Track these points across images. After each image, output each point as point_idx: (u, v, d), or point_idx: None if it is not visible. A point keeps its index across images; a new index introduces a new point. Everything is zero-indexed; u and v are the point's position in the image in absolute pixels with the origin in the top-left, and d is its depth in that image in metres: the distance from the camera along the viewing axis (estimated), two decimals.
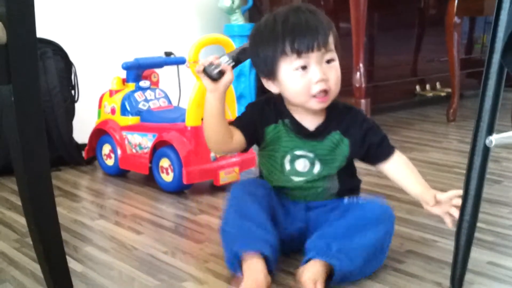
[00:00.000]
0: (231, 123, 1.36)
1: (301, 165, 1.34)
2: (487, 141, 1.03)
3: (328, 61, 1.26)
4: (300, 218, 1.34)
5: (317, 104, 1.27)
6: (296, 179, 1.34)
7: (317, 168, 1.33)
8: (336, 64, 1.28)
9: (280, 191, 1.36)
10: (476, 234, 1.36)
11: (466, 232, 1.09)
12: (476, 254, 1.29)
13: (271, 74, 1.29)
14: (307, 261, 1.19)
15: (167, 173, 1.82)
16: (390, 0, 3.02)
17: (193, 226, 1.54)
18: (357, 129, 1.33)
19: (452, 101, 2.81)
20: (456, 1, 2.66)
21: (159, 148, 1.86)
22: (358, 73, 2.45)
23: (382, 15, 3.05)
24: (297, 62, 1.24)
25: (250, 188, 1.33)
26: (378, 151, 1.34)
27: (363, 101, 2.47)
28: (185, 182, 1.77)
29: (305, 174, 1.33)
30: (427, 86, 3.15)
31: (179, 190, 1.82)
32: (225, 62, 1.25)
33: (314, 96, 1.26)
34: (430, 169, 2.01)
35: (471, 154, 1.05)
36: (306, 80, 1.25)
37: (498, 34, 0.99)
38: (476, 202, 1.07)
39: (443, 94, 3.10)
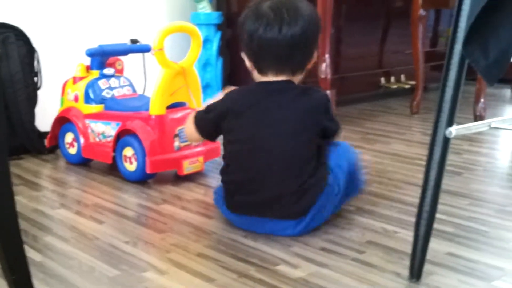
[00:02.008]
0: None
1: None
2: (447, 132, 1.04)
3: None
4: None
5: None
6: None
7: None
8: None
9: None
10: (436, 225, 1.38)
11: (425, 223, 1.11)
12: (436, 245, 1.31)
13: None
14: None
15: (131, 162, 1.80)
16: None
17: (156, 216, 1.53)
18: None
19: (416, 94, 2.83)
20: None
21: (123, 137, 1.84)
22: (324, 64, 2.46)
23: (350, 6, 3.05)
24: None
25: None
26: None
27: (328, 92, 2.47)
28: (148, 171, 1.76)
29: None
30: (392, 78, 3.18)
31: (142, 179, 1.80)
32: None
33: None
34: (392, 160, 2.03)
35: (431, 145, 1.07)
36: None
37: (460, 24, 1.00)
38: (436, 192, 1.09)
39: (407, 86, 3.13)
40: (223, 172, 1.46)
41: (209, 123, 1.47)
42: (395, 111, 2.91)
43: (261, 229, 1.39)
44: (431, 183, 1.08)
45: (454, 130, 1.03)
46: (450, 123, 1.04)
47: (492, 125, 1.08)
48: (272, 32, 1.37)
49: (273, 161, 1.37)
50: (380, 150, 2.17)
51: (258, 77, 1.45)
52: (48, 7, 2.44)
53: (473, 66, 0.98)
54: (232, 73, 2.89)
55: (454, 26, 1.01)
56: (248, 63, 1.46)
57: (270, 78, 1.42)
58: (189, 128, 1.53)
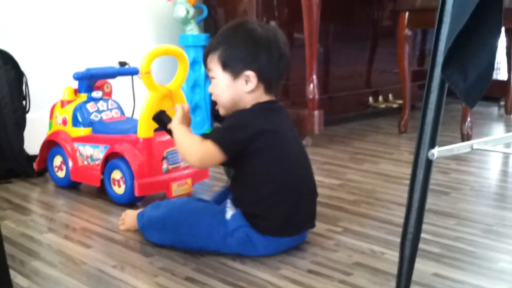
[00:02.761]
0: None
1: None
2: (429, 154, 1.05)
3: (212, 78, 1.49)
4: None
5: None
6: None
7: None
8: (216, 82, 1.48)
9: None
10: (422, 246, 1.39)
11: (410, 244, 1.11)
12: (422, 266, 1.31)
13: None
14: None
15: (119, 185, 1.81)
16: (344, 12, 3.07)
17: (143, 239, 1.52)
18: None
19: (403, 113, 2.85)
20: (407, 14, 2.71)
21: (111, 159, 1.84)
22: (311, 85, 2.48)
23: (337, 26, 3.08)
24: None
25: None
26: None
27: (316, 112, 2.49)
28: (137, 194, 1.76)
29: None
30: (380, 98, 3.20)
31: (131, 202, 1.80)
32: None
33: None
34: (380, 180, 2.04)
35: (414, 167, 1.07)
36: None
37: (439, 48, 1.02)
38: (420, 214, 1.09)
39: (395, 105, 3.15)
40: (260, 199, 1.41)
41: (240, 142, 1.39)
42: (383, 130, 2.93)
43: (295, 243, 1.45)
44: (415, 204, 1.08)
45: (436, 152, 1.04)
46: (432, 145, 1.05)
47: (474, 147, 1.09)
48: (287, 51, 1.48)
49: (309, 173, 1.48)
50: (369, 170, 2.18)
51: (258, 97, 1.46)
52: (36, 31, 2.45)
53: (453, 89, 0.99)
54: None
55: (433, 49, 1.02)
56: (254, 83, 1.43)
57: (271, 97, 1.48)
58: (205, 151, 1.40)
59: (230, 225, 1.39)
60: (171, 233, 1.44)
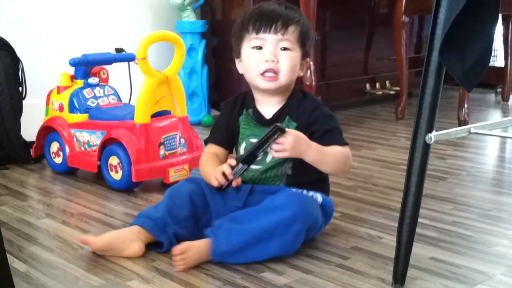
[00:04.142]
0: (209, 139, 1.48)
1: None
2: (426, 138, 1.05)
3: (284, 48, 1.35)
4: (240, 199, 1.37)
5: (263, 83, 1.36)
6: (252, 167, 1.36)
7: (269, 156, 1.37)
8: (291, 53, 1.36)
9: None
10: (420, 230, 1.40)
11: (407, 228, 1.11)
12: (419, 250, 1.32)
13: (239, 53, 1.41)
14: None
15: (116, 171, 1.81)
16: None
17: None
18: (307, 115, 1.38)
19: (400, 100, 2.85)
20: (404, 1, 2.70)
21: (108, 145, 1.84)
22: (308, 71, 2.47)
23: (334, 14, 3.08)
24: (254, 41, 1.36)
25: (180, 188, 1.39)
26: (320, 140, 1.35)
27: None
28: (134, 180, 1.76)
29: (259, 163, 1.37)
30: (377, 85, 3.20)
31: (128, 188, 1.81)
32: (239, 169, 1.31)
33: (262, 74, 1.35)
34: (377, 166, 2.04)
35: (411, 151, 1.08)
36: (259, 59, 1.36)
37: (437, 32, 1.02)
38: (417, 198, 1.10)
39: (392, 92, 3.16)
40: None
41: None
42: (380, 117, 2.93)
43: None
44: (413, 189, 1.09)
45: (433, 136, 1.04)
46: (429, 129, 1.05)
47: (471, 131, 1.09)
48: None
49: None
50: (366, 156, 2.18)
51: None
52: (32, 17, 2.44)
53: (450, 73, 0.99)
54: (218, 80, 2.90)
55: (431, 34, 1.02)
56: (305, 71, 1.44)
57: None
58: (350, 155, 1.39)
59: (327, 206, 1.39)
60: (282, 240, 1.27)
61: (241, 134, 1.43)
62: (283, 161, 1.37)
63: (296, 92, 1.43)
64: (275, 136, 1.26)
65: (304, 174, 1.37)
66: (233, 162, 1.32)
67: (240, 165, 1.31)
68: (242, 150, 1.42)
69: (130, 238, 1.31)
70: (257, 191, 1.38)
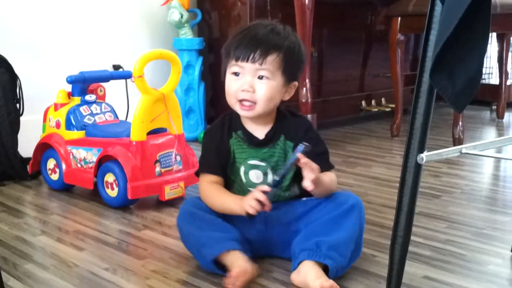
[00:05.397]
0: (203, 170, 1.42)
1: (254, 176, 1.39)
2: (418, 159, 1.06)
3: (261, 77, 1.34)
4: (259, 220, 1.36)
5: (241, 110, 1.37)
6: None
7: (270, 178, 1.38)
8: (269, 82, 1.34)
9: None
10: (413, 249, 1.41)
11: (399, 247, 1.12)
12: (413, 269, 1.33)
13: (225, 73, 1.40)
14: (299, 264, 1.26)
15: (112, 188, 1.81)
16: (338, 16, 3.08)
17: (136, 242, 1.54)
18: (301, 134, 1.39)
19: (395, 117, 2.87)
20: (399, 19, 2.72)
21: (104, 162, 1.85)
22: (304, 89, 2.49)
23: (331, 31, 3.10)
24: (234, 67, 1.36)
25: (198, 202, 1.40)
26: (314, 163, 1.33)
27: (309, 116, 2.50)
28: (130, 197, 1.77)
29: (260, 184, 1.36)
30: (373, 102, 3.22)
31: (124, 205, 1.81)
32: (271, 194, 1.28)
33: (240, 101, 1.36)
34: (372, 183, 2.05)
35: (403, 171, 1.09)
36: (237, 86, 1.36)
37: (428, 53, 1.03)
38: (409, 217, 1.11)
39: (387, 109, 3.17)
40: None
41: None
42: (376, 134, 2.94)
43: None
44: (405, 208, 1.10)
45: (425, 157, 1.05)
46: (421, 150, 1.06)
47: (463, 151, 1.10)
48: None
49: None
50: (361, 173, 2.19)
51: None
52: (30, 34, 2.46)
53: (441, 95, 1.00)
54: (214, 97, 2.91)
55: (422, 55, 1.04)
56: (292, 94, 1.41)
57: None
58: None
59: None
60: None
61: (237, 158, 1.40)
62: (292, 183, 1.40)
63: (283, 112, 1.43)
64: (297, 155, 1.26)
65: (308, 194, 1.37)
66: (265, 187, 1.28)
67: (274, 189, 1.29)
68: (242, 174, 1.40)
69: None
70: (273, 209, 1.33)
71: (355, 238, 1.31)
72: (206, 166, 1.43)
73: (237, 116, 1.42)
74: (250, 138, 1.41)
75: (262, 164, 1.39)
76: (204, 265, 1.31)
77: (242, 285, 1.21)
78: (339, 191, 1.41)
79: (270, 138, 1.40)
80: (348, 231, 1.29)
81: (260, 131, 1.41)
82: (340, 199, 1.35)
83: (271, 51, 1.33)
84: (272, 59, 1.33)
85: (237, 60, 1.34)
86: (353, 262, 1.33)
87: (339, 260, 1.25)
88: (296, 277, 1.26)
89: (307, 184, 1.27)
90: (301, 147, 1.26)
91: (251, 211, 1.27)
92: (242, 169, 1.40)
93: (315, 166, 1.28)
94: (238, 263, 1.24)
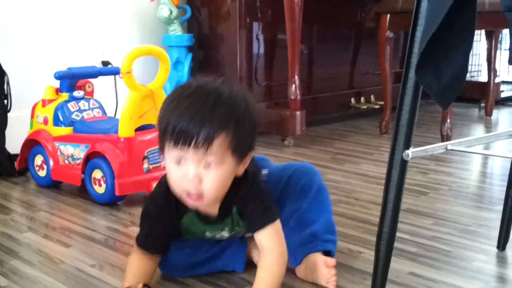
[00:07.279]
0: (143, 245, 1.23)
1: (209, 235, 1.30)
2: (404, 155, 1.07)
3: (208, 164, 1.10)
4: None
5: (189, 202, 1.15)
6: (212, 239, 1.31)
7: (228, 233, 1.30)
8: (218, 169, 1.10)
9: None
10: (399, 245, 1.41)
11: (385, 244, 1.13)
12: (398, 265, 1.33)
13: (162, 149, 1.15)
14: (302, 259, 1.30)
15: (100, 185, 1.81)
16: (327, 13, 3.08)
17: (123, 238, 1.54)
18: (248, 200, 1.21)
19: (384, 114, 2.88)
20: (388, 16, 2.73)
21: (92, 159, 1.85)
22: (293, 86, 2.49)
23: (320, 28, 3.11)
24: (173, 152, 1.10)
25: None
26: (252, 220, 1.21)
27: (298, 113, 2.51)
28: (117, 193, 1.77)
29: (220, 239, 1.31)
30: (362, 99, 3.23)
31: (111, 201, 1.81)
32: None
33: (188, 193, 1.13)
34: (360, 180, 2.06)
35: (389, 167, 1.09)
36: (180, 175, 1.12)
37: (414, 50, 1.04)
38: (395, 214, 1.11)
39: (376, 106, 3.18)
40: None
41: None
42: (364, 131, 2.95)
43: None
44: (390, 204, 1.10)
45: (411, 153, 1.05)
46: (407, 146, 1.06)
47: (448, 148, 1.11)
48: None
49: None
50: (349, 170, 2.20)
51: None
52: (18, 30, 2.45)
53: (426, 91, 1.00)
54: None
55: (408, 52, 1.04)
56: (247, 164, 1.19)
57: None
58: (280, 231, 1.22)
59: None
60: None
61: (191, 231, 1.28)
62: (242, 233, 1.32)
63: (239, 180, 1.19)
64: None
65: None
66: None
67: None
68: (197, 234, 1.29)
69: None
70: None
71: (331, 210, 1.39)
72: (148, 242, 1.24)
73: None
74: (205, 218, 1.24)
75: (221, 232, 1.29)
76: None
77: None
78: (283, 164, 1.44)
79: (224, 211, 1.23)
80: (327, 210, 1.38)
81: (213, 208, 1.22)
82: (301, 183, 1.37)
83: (217, 133, 1.07)
84: (219, 143, 1.08)
85: (176, 144, 1.08)
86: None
87: (334, 239, 1.34)
88: (303, 270, 1.30)
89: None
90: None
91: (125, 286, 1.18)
92: (196, 234, 1.30)
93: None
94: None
